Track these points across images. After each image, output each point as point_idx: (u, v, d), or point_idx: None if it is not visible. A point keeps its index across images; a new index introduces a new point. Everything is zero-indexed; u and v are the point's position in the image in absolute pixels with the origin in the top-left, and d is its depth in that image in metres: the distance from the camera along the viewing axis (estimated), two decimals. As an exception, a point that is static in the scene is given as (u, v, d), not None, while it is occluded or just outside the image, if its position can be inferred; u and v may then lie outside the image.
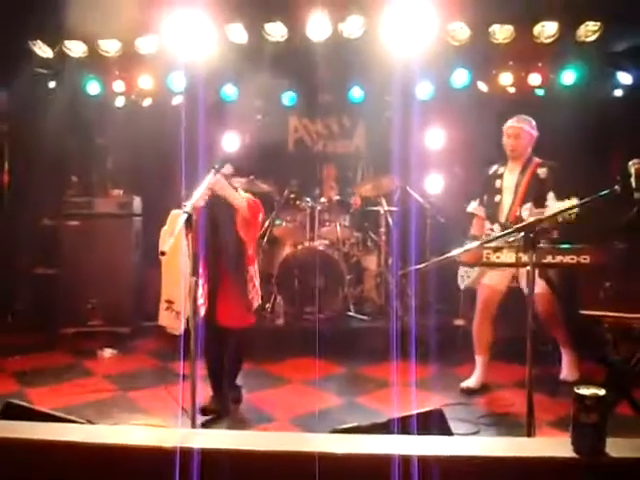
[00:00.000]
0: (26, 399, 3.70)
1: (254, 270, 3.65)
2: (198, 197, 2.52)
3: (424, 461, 1.46)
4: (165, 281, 3.00)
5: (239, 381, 3.81)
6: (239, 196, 3.43)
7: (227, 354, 3.57)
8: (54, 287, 5.61)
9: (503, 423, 3.42)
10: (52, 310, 5.53)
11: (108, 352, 4.99)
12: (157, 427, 2.25)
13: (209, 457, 1.44)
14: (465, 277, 4.03)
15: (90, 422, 1.91)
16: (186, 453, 1.46)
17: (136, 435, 1.58)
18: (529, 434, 2.21)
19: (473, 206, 4.22)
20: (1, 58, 5.26)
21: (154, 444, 1.47)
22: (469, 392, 3.95)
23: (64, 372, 4.44)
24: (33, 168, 5.80)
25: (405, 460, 1.50)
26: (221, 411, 3.48)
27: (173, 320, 2.96)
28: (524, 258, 2.39)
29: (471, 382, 4.02)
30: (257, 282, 3.68)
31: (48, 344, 5.20)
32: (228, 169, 3.36)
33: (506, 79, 5.68)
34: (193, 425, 2.45)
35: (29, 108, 5.79)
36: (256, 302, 3.66)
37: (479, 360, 4.07)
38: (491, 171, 4.12)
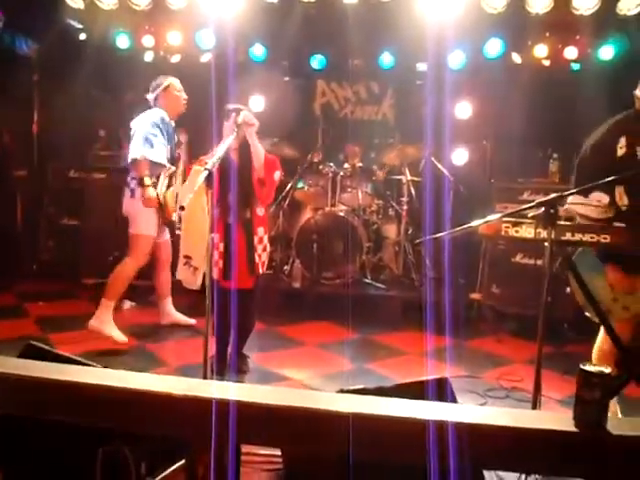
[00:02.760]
0: (47, 343, 3.83)
1: (264, 232, 3.56)
2: (220, 154, 2.52)
3: (430, 425, 1.49)
4: (184, 236, 3.05)
5: (248, 351, 3.72)
6: (261, 150, 3.40)
7: (230, 316, 3.33)
8: (78, 238, 5.73)
9: (510, 397, 3.44)
10: (75, 260, 5.66)
11: (127, 304, 5.11)
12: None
13: (220, 407, 1.47)
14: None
15: (106, 367, 1.98)
16: (199, 402, 1.50)
17: (151, 381, 1.62)
18: (534, 408, 2.23)
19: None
20: (33, 8, 5.27)
21: (165, 391, 1.52)
22: None
23: (84, 320, 4.55)
24: (61, 120, 5.86)
25: (410, 423, 1.53)
26: (223, 371, 3.45)
27: (190, 275, 3.02)
28: (543, 234, 2.37)
29: None
30: (267, 246, 3.59)
31: (70, 293, 5.35)
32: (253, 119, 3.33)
33: (541, 51, 5.51)
34: (204, 378, 2.52)
35: (59, 60, 5.81)
36: (261, 267, 3.54)
37: None
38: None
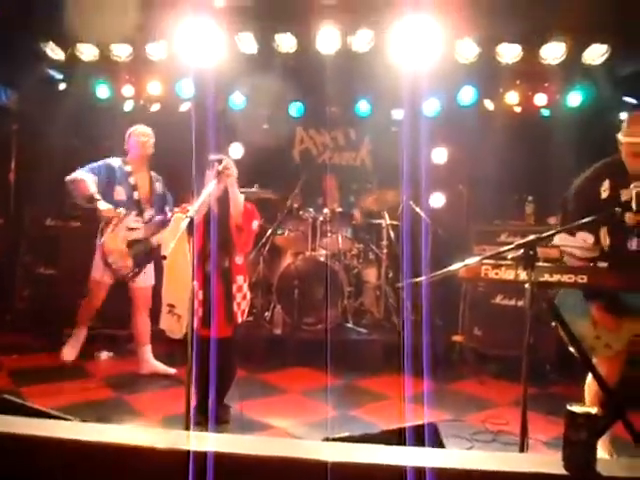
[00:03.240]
0: (21, 397, 3.71)
1: (243, 281, 3.54)
2: (202, 201, 2.53)
3: (417, 472, 1.47)
4: (167, 284, 3.01)
5: (230, 399, 3.63)
6: (240, 198, 3.41)
7: (209, 366, 3.19)
8: (54, 287, 5.62)
9: (497, 440, 3.40)
10: (51, 310, 5.53)
11: (105, 354, 4.99)
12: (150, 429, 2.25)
13: (200, 459, 1.43)
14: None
15: (84, 421, 1.91)
16: (180, 454, 1.46)
17: (130, 435, 1.57)
18: (521, 451, 2.20)
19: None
20: (13, 58, 5.31)
21: (146, 445, 1.47)
22: None
23: (60, 373, 4.43)
24: (39, 168, 5.84)
25: (398, 471, 1.50)
26: (204, 422, 3.33)
27: (174, 324, 2.96)
28: (523, 275, 2.39)
29: None
30: (247, 294, 3.56)
31: (46, 344, 5.21)
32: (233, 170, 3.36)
33: (512, 98, 5.72)
34: (187, 430, 2.45)
35: (39, 109, 5.84)
36: (241, 316, 3.51)
37: None
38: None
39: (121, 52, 5.37)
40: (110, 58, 5.40)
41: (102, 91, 5.94)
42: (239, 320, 3.51)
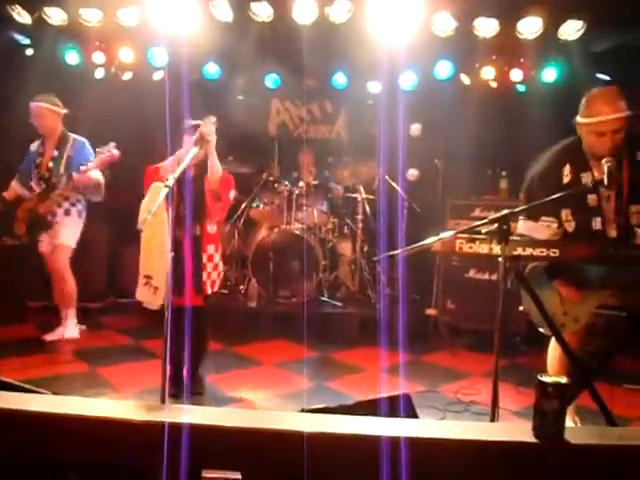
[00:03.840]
0: (-9, 371, 3.66)
1: (215, 251, 3.48)
2: (181, 170, 2.48)
3: (392, 442, 1.49)
4: (144, 256, 2.96)
5: (204, 372, 3.63)
6: (218, 164, 3.34)
7: (182, 337, 3.13)
8: (22, 259, 5.50)
9: (469, 410, 3.49)
10: (19, 282, 5.44)
11: (78, 327, 4.92)
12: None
13: (176, 431, 1.42)
14: None
15: (56, 394, 1.89)
16: (156, 427, 1.46)
17: (105, 407, 1.56)
18: (492, 421, 2.26)
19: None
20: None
21: (122, 417, 1.46)
22: None
23: (30, 345, 4.38)
24: (5, 136, 5.66)
25: (372, 440, 1.52)
26: (177, 394, 3.35)
27: (151, 295, 2.92)
28: (496, 249, 2.42)
29: None
30: (219, 265, 3.52)
31: (14, 317, 5.13)
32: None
33: (488, 73, 5.71)
34: (162, 403, 2.45)
35: (5, 75, 5.63)
36: (211, 286, 3.45)
37: None
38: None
39: (91, 17, 5.17)
40: (79, 23, 5.21)
41: (71, 57, 5.75)
42: (209, 291, 3.45)
